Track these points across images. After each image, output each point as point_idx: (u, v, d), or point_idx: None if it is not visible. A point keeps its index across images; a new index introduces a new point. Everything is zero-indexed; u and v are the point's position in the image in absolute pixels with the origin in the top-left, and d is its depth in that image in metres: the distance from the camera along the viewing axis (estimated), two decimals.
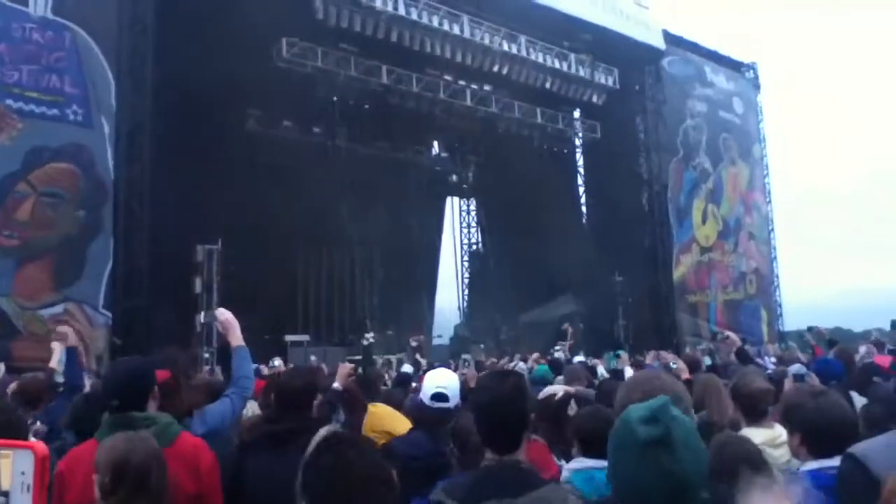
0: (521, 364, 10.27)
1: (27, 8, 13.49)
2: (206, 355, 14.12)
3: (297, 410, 3.31)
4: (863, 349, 11.08)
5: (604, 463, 3.00)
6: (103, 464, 2.30)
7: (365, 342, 17.48)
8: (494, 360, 13.39)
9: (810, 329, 8.15)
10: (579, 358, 11.80)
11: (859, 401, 4.23)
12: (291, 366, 10.30)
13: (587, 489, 2.75)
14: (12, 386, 5.04)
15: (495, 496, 2.09)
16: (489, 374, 2.79)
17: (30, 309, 12.80)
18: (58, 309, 13.04)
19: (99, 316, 13.42)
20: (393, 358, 16.47)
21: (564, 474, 3.10)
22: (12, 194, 12.90)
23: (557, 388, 4.47)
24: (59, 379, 7.33)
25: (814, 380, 4.56)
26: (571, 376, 5.77)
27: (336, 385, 4.99)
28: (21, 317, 12.68)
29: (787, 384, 4.35)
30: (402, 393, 5.79)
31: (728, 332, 8.50)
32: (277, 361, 12.15)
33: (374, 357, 16.06)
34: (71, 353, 6.68)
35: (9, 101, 13.08)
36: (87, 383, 7.08)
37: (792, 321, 27.16)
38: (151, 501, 2.27)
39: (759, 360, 8.03)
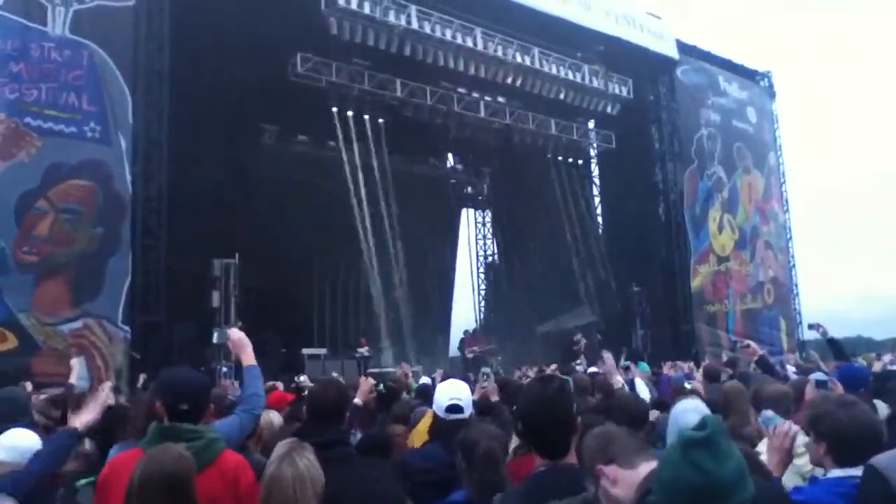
0: None
1: (46, 27, 13.66)
2: (224, 369, 14.16)
3: (329, 422, 3.28)
4: (886, 357, 10.93)
5: None
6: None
7: (357, 356, 17.66)
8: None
9: (811, 326, 7.87)
10: (594, 369, 11.74)
11: (883, 408, 4.14)
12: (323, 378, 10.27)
13: None
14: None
15: (555, 499, 2.10)
16: (533, 381, 2.78)
17: (49, 324, 12.86)
18: (77, 324, 13.10)
19: (118, 331, 13.45)
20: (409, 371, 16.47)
21: None
22: (31, 210, 13.00)
23: None
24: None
25: (837, 387, 4.43)
26: None
27: (357, 400, 4.87)
28: (41, 332, 12.75)
29: (809, 391, 4.25)
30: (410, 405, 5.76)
31: (748, 341, 8.33)
32: (303, 377, 12.12)
33: (372, 371, 16.17)
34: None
35: (28, 119, 13.21)
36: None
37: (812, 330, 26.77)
38: None
39: (779, 369, 7.92)
